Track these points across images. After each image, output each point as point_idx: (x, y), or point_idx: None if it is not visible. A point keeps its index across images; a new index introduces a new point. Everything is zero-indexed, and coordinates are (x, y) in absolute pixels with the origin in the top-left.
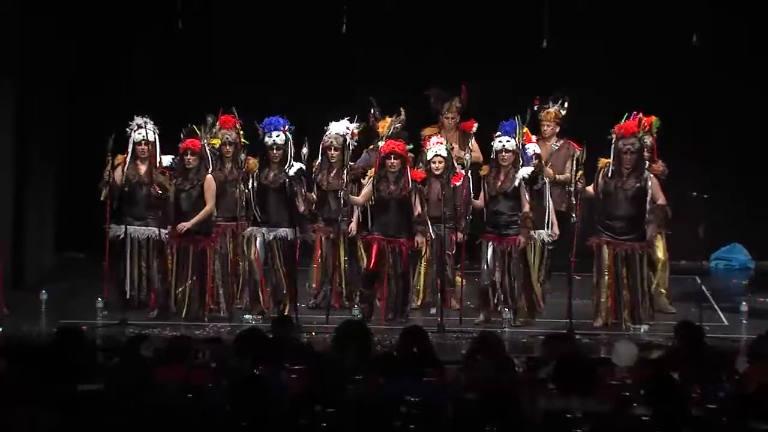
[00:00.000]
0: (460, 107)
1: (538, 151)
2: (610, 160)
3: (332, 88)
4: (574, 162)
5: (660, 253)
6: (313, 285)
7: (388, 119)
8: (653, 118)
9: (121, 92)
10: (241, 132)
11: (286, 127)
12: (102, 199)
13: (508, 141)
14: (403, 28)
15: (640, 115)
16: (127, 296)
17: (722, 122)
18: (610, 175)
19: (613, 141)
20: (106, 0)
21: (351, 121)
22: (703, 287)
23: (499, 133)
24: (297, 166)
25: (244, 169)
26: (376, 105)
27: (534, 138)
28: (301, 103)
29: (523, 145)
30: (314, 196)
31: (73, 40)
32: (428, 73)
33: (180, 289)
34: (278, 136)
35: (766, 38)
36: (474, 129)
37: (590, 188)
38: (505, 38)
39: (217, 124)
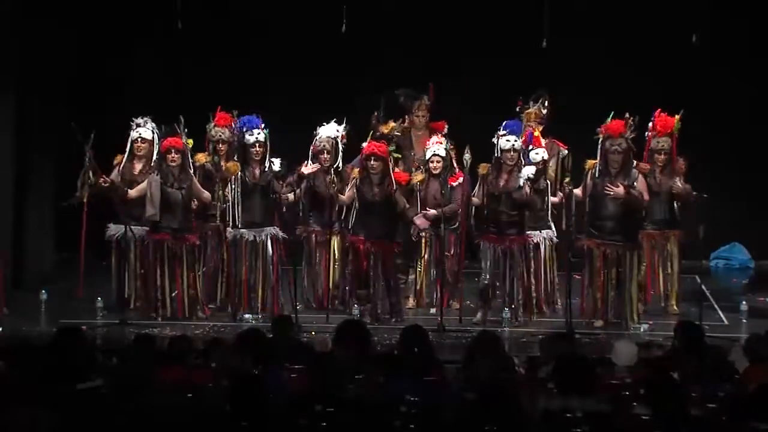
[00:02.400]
0: (429, 105)
1: (546, 157)
2: (597, 161)
3: (332, 88)
4: (560, 162)
5: (675, 255)
6: (320, 288)
7: (392, 123)
8: (676, 118)
9: (121, 92)
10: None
11: (263, 125)
12: (79, 202)
13: (516, 140)
14: (403, 28)
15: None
16: (125, 296)
17: (722, 122)
18: (597, 175)
19: (600, 141)
20: (106, 0)
21: (339, 123)
22: (703, 286)
23: (504, 132)
24: (278, 161)
25: (223, 174)
26: (382, 109)
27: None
28: (300, 104)
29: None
30: (299, 193)
31: (73, 40)
32: (428, 73)
33: (175, 292)
34: (259, 133)
35: (766, 38)
36: (445, 130)
37: (578, 191)
38: (505, 38)
39: (212, 123)
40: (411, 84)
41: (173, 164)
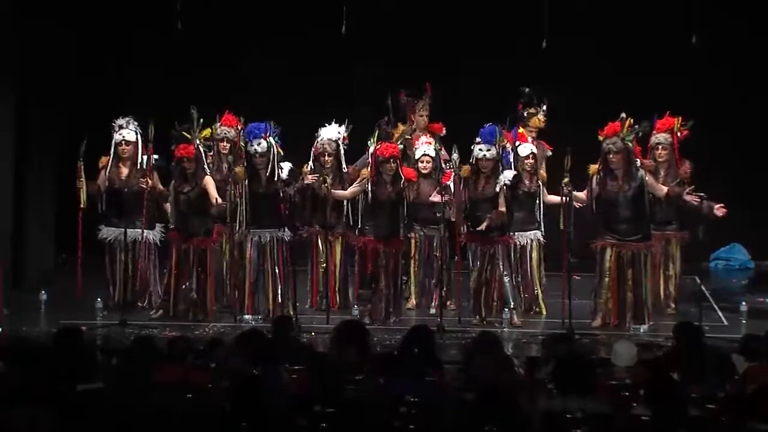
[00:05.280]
0: (429, 105)
1: (535, 150)
2: (599, 164)
3: (332, 89)
4: (547, 163)
5: (677, 257)
6: (321, 288)
7: (401, 128)
8: (675, 120)
9: (121, 92)
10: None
11: (268, 133)
12: (82, 206)
13: (488, 150)
14: (403, 28)
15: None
16: (115, 299)
17: (722, 123)
18: (602, 178)
19: (601, 144)
20: (106, 0)
21: (340, 125)
22: (703, 287)
23: (478, 140)
24: (287, 167)
25: (232, 175)
26: (391, 114)
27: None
28: (300, 104)
29: (504, 148)
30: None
31: (72, 40)
32: (428, 73)
33: (182, 289)
34: (259, 144)
35: (766, 38)
36: (443, 132)
37: (581, 194)
38: (505, 38)
39: (218, 122)
40: (411, 84)
41: (188, 172)
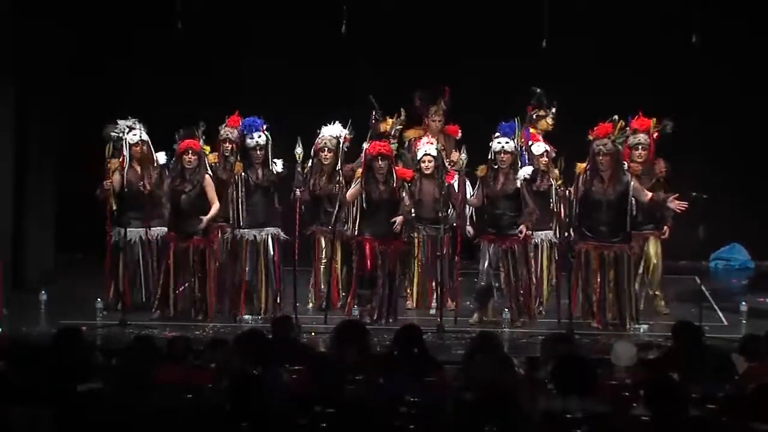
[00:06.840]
0: (445, 110)
1: (548, 148)
2: (587, 164)
3: (332, 89)
4: (561, 166)
5: (652, 256)
6: (323, 287)
7: (390, 120)
8: (652, 120)
9: (121, 92)
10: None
11: (265, 127)
12: (113, 208)
13: (507, 142)
14: (403, 28)
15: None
16: (130, 298)
17: (722, 122)
18: (589, 179)
19: (589, 144)
20: (106, 0)
21: (344, 126)
22: (703, 287)
23: (497, 134)
24: (280, 162)
25: (234, 174)
26: (377, 108)
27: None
28: (300, 104)
29: (521, 147)
30: (306, 195)
31: (72, 39)
32: (428, 73)
33: (180, 290)
34: (260, 137)
35: (766, 38)
36: (459, 135)
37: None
38: (505, 38)
39: (225, 124)
40: (410, 84)
41: (189, 166)
